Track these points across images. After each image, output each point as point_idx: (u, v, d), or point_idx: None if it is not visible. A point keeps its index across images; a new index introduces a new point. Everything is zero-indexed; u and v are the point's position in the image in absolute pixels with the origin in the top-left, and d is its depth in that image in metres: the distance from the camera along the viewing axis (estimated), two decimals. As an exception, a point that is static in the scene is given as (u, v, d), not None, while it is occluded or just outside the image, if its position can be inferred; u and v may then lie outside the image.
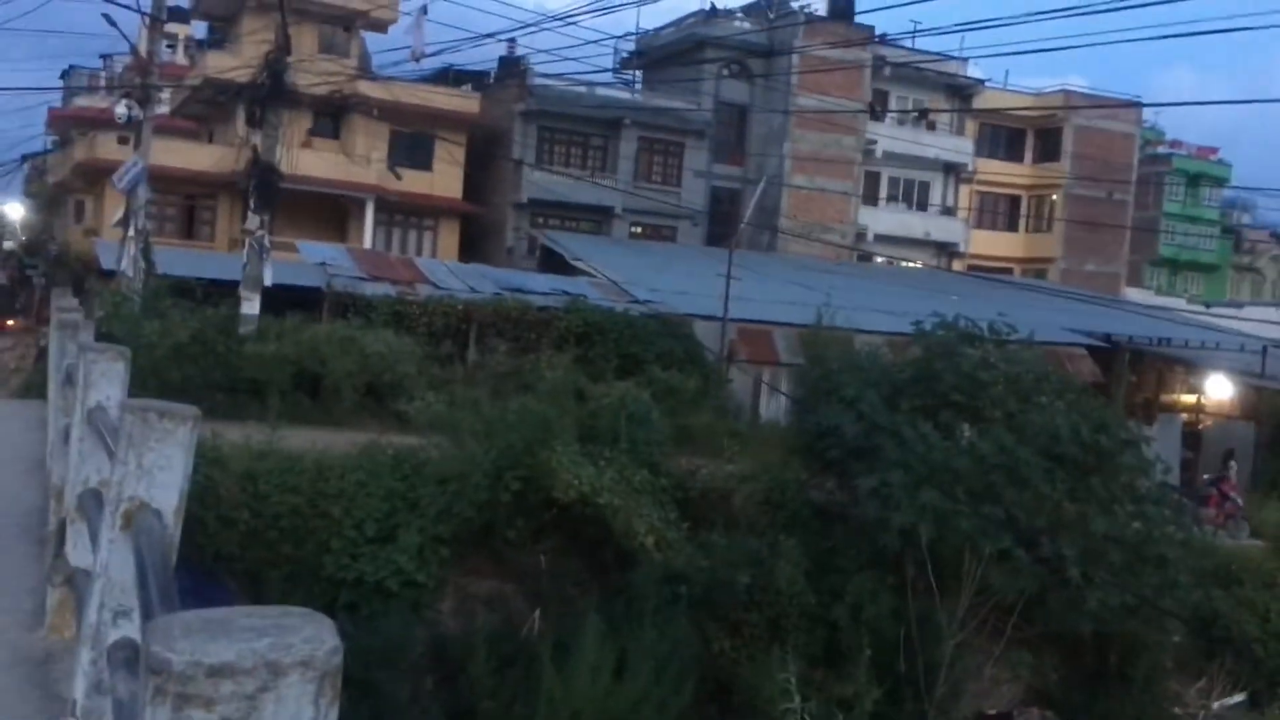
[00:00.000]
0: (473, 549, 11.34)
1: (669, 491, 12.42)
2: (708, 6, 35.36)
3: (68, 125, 43.88)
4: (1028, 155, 42.38)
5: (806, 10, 34.58)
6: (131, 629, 2.80)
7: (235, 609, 1.24)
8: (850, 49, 32.75)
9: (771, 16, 35.13)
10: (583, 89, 32.29)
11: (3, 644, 4.47)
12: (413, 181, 31.77)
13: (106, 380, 4.58)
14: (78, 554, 4.48)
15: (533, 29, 40.47)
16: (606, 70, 32.03)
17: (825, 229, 33.33)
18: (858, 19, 35.41)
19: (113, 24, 18.69)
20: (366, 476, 11.51)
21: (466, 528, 11.32)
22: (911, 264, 35.13)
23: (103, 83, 45.51)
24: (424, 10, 19.85)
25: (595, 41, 59.09)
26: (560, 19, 21.86)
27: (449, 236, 34.34)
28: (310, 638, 1.16)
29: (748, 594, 11.45)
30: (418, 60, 20.87)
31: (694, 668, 10.78)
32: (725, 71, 35.48)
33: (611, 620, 10.71)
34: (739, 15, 36.78)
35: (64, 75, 50.80)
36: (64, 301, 9.29)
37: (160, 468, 2.91)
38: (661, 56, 37.28)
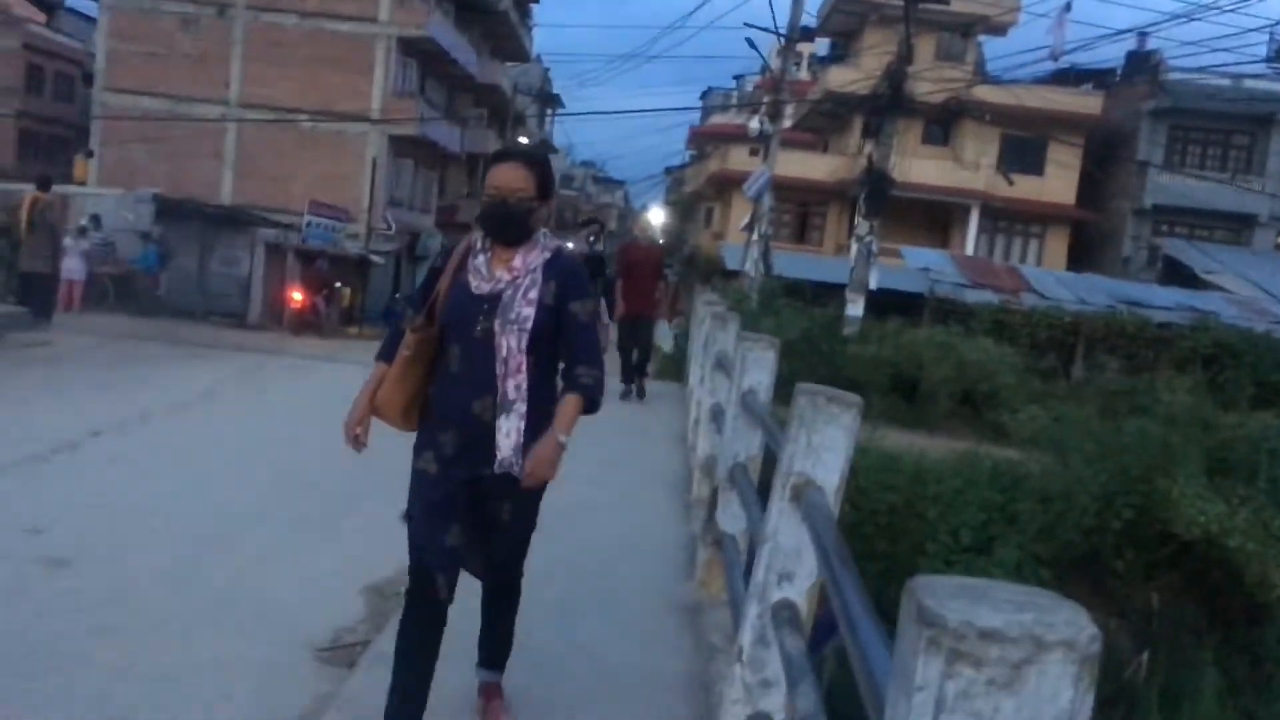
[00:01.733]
0: (1073, 575, 10.67)
1: (1319, 544, 10.61)
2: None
3: (704, 141, 49.17)
4: None
5: None
6: (793, 591, 3.06)
7: (981, 581, 1.28)
8: None
9: None
10: (1226, 82, 28.80)
11: (660, 592, 5.13)
12: (1022, 187, 30.75)
13: (758, 367, 5.04)
14: (726, 520, 5.01)
15: (1179, 20, 36.35)
16: (1259, 61, 28.17)
17: None
18: None
19: (753, 47, 20.56)
20: (964, 484, 11.35)
21: (1068, 552, 10.68)
22: None
23: (734, 101, 50.23)
24: (1068, 8, 18.94)
25: (1250, 30, 52.36)
26: (1208, 8, 19.66)
27: (1057, 244, 32.73)
28: (1070, 621, 1.17)
29: None
30: (1056, 59, 20.01)
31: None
32: None
33: (1233, 679, 9.45)
34: None
35: (702, 97, 56.93)
36: (709, 296, 10.42)
37: (826, 448, 3.14)
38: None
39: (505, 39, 43.59)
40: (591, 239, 11.30)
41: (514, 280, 3.07)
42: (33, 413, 7.72)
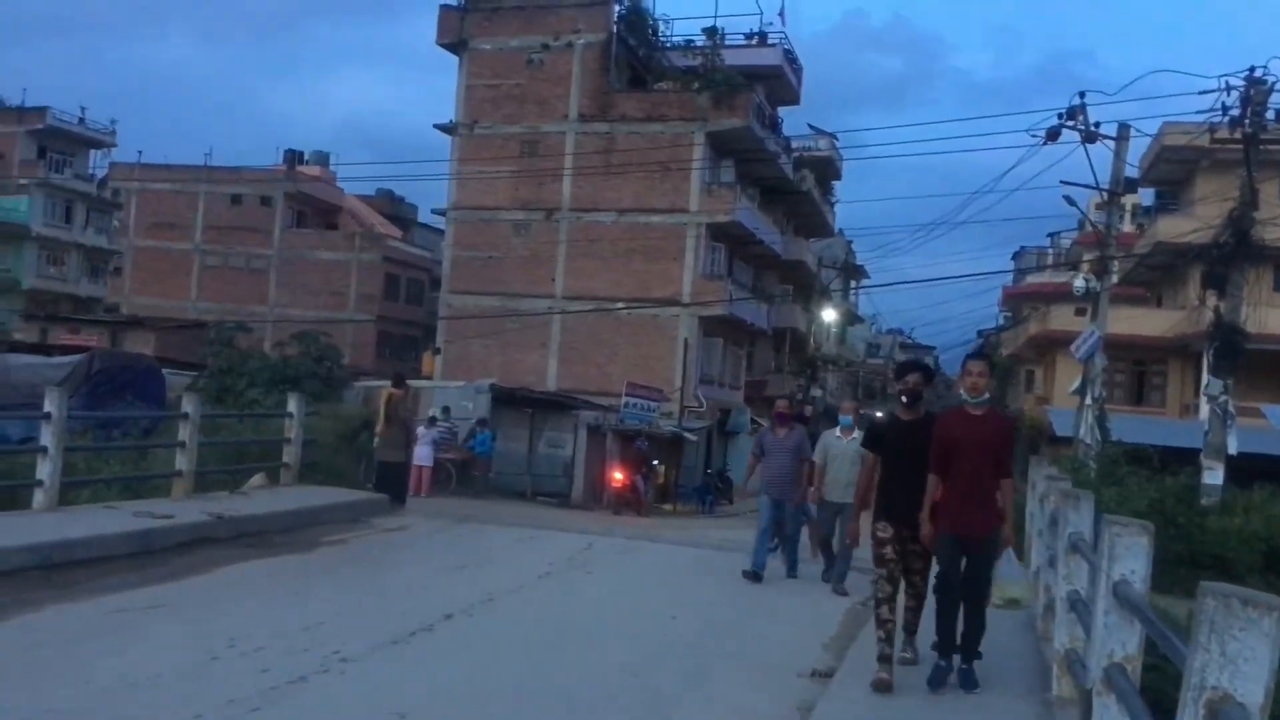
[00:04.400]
0: None
1: None
2: None
3: (1019, 302, 47.39)
4: None
5: None
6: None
7: None
8: None
9: None
10: None
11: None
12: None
13: (1131, 554, 4.54)
14: (1106, 729, 4.43)
15: None
16: None
17: None
18: None
19: (1072, 204, 19.77)
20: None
21: None
22: None
23: (1049, 260, 48.32)
24: None
25: None
26: None
27: None
28: None
29: None
30: None
31: None
32: None
33: None
34: None
35: (1014, 257, 55.24)
36: (1048, 470, 9.70)
37: (1244, 658, 2.69)
38: None
39: (808, 217, 44.77)
40: (905, 400, 6.79)
41: None
42: (391, 595, 8.29)
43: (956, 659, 6.24)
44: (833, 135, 46.84)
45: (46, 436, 9.45)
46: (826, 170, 46.65)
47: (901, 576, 6.51)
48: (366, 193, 56.93)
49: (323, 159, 55.74)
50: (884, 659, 6.21)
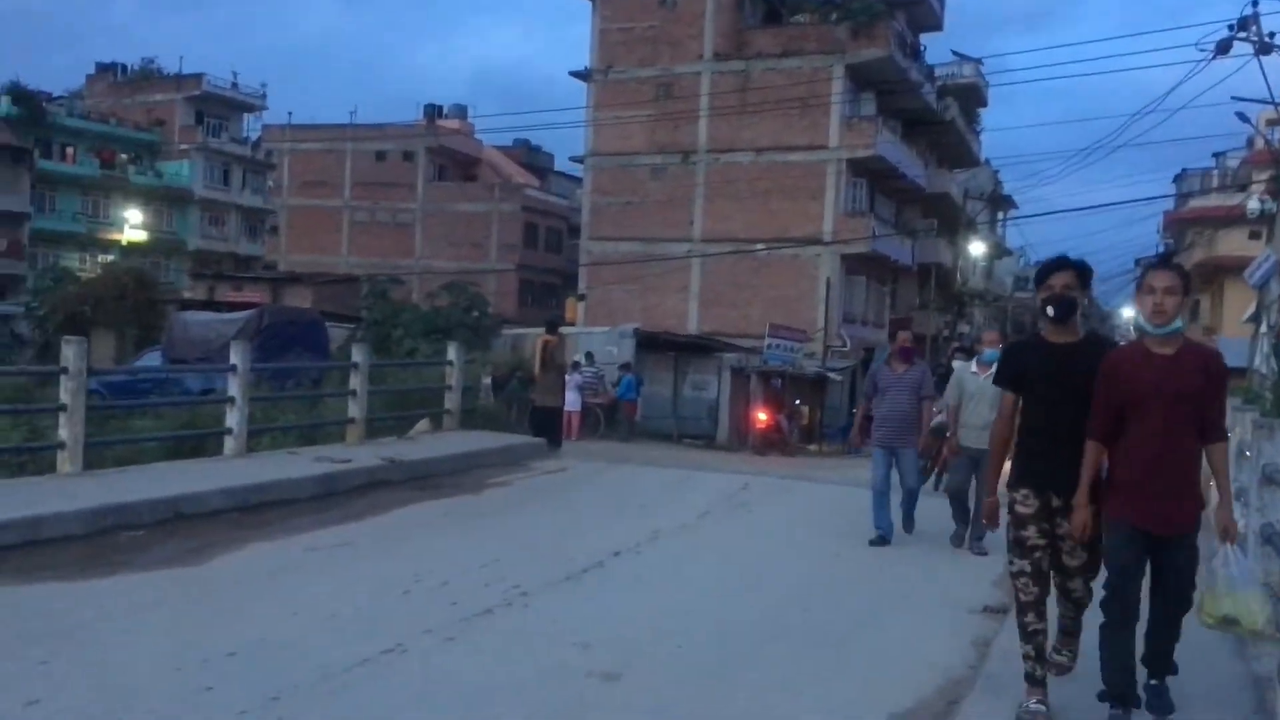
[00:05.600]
0: None
1: None
2: None
3: (1182, 227, 44.92)
4: None
5: None
6: None
7: None
8: None
9: None
10: None
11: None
12: None
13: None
14: (1315, 665, 4.28)
15: None
16: None
17: None
18: None
19: (1245, 120, 18.57)
20: None
21: None
22: None
23: (1215, 182, 45.52)
24: None
25: None
26: None
27: None
28: None
29: None
30: None
31: None
32: None
33: None
34: None
35: (1176, 179, 52.26)
36: (1233, 401, 9.25)
37: None
38: None
39: (953, 147, 43.32)
40: (1052, 312, 4.52)
41: None
42: (559, 533, 8.55)
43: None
44: (978, 60, 45.00)
45: (234, 388, 10.04)
46: (971, 98, 44.91)
47: (1051, 572, 4.52)
48: (504, 143, 57.75)
49: (461, 112, 56.74)
50: (1035, 681, 4.51)
